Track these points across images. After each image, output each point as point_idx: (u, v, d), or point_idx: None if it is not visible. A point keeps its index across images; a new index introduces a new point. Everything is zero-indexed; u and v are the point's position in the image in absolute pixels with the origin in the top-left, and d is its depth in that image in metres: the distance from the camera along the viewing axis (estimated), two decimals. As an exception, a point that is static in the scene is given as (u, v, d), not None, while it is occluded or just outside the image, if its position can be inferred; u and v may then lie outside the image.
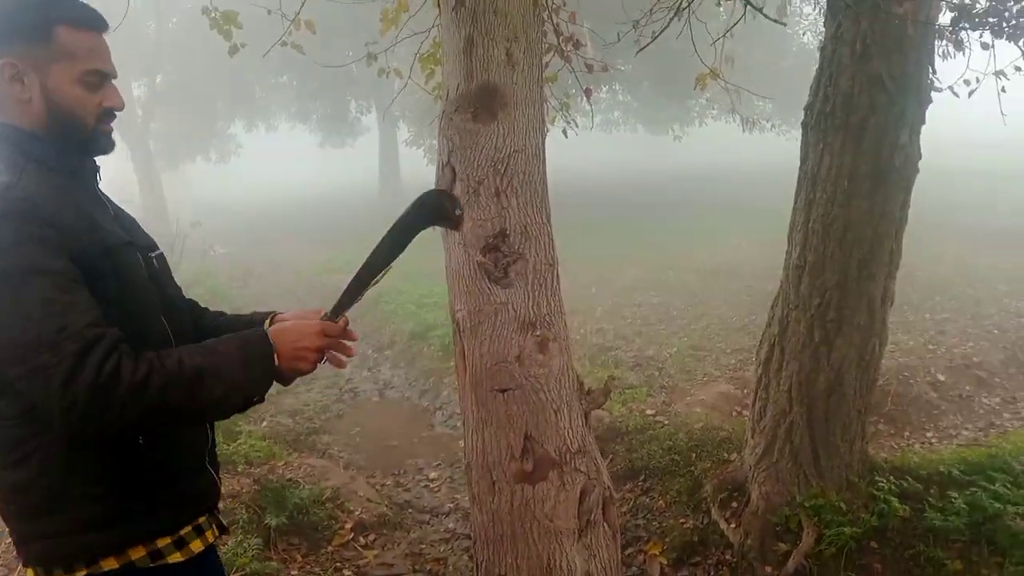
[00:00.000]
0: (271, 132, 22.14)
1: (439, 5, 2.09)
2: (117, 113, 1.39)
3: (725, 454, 3.62)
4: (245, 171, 26.98)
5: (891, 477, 3.00)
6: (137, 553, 1.34)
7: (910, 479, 2.99)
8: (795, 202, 2.95)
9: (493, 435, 1.92)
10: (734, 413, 4.46)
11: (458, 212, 1.74)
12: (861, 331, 2.81)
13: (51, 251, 1.17)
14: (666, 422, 4.21)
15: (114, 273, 1.28)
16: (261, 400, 1.36)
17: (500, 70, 1.86)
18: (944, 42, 2.22)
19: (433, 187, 1.94)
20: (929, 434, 4.24)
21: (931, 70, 2.60)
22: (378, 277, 1.49)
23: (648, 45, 2.78)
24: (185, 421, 1.36)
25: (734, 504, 3.22)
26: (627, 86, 16.57)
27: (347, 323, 1.45)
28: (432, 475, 4.39)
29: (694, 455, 3.70)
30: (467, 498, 3.27)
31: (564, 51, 3.36)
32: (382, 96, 16.74)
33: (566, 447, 1.93)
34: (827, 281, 2.80)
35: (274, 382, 1.35)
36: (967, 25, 1.96)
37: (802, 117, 2.92)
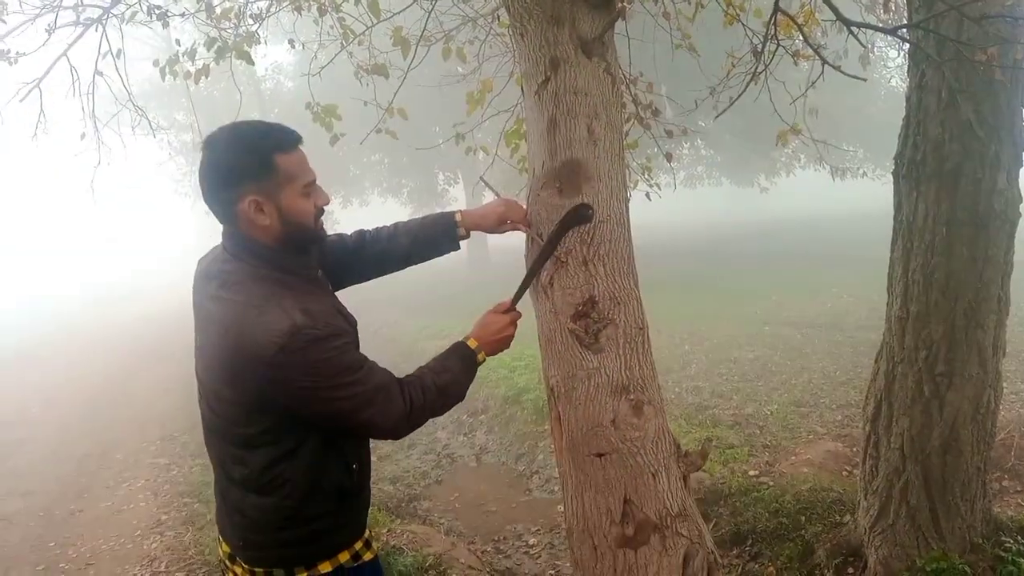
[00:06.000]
0: (364, 207, 23.13)
1: (522, 88, 2.23)
2: (325, 208, 1.67)
3: (837, 516, 3.46)
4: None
5: (1019, 537, 2.80)
6: (344, 556, 1.71)
7: (1040, 539, 2.78)
8: (892, 252, 2.88)
9: (592, 500, 1.94)
10: (844, 473, 4.25)
11: (590, 212, 1.91)
12: (974, 383, 2.67)
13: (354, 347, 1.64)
14: (771, 483, 4.06)
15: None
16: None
17: (582, 146, 1.95)
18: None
19: (525, 250, 2.08)
20: (1060, 490, 3.91)
21: (1025, 112, 2.53)
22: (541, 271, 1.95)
23: (726, 110, 2.82)
24: (440, 413, 1.80)
25: (850, 570, 3.05)
26: (709, 141, 16.53)
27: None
28: (531, 541, 4.37)
29: (803, 518, 3.55)
30: (568, 564, 3.25)
31: (643, 119, 3.45)
32: (468, 167, 17.37)
33: (666, 510, 1.93)
34: (933, 332, 2.69)
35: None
36: (1057, 67, 1.92)
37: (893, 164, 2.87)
